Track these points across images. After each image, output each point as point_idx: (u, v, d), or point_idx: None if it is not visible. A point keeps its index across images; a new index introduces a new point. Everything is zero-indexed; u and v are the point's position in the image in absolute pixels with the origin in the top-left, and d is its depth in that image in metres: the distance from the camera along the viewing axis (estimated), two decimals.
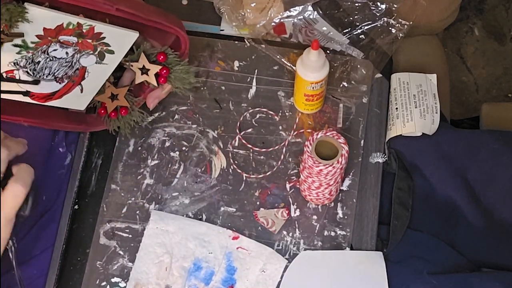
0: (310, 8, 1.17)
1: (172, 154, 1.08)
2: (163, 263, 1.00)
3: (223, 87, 1.13)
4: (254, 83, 1.13)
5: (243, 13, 1.15)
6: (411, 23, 1.15)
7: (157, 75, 0.99)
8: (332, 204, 1.04)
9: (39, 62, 0.86)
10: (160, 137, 1.09)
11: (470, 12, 1.92)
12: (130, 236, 1.03)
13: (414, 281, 0.99)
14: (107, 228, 1.03)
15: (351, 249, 1.02)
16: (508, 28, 1.91)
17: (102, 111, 1.01)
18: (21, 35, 0.81)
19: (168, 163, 1.07)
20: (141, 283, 0.99)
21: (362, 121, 1.09)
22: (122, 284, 1.00)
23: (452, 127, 1.19)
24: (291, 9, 1.16)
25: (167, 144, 1.09)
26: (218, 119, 1.10)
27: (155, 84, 0.99)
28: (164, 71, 0.98)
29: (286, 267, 1.00)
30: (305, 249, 1.01)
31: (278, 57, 1.13)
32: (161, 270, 1.00)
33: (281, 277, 1.00)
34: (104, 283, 1.00)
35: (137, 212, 1.04)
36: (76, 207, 1.05)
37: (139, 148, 1.08)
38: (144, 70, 0.98)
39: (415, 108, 1.09)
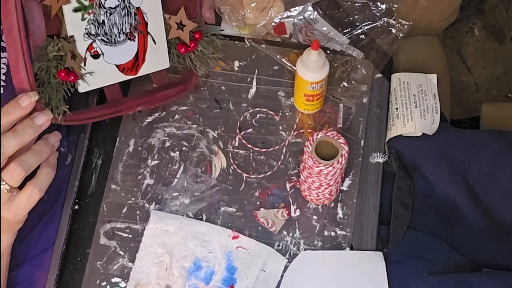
0: (310, 8, 1.17)
1: (172, 154, 1.08)
2: (163, 263, 1.00)
3: (223, 87, 1.13)
4: (254, 83, 1.13)
5: (243, 13, 1.15)
6: (411, 23, 1.15)
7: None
8: (332, 204, 1.04)
9: (103, 21, 0.90)
10: (160, 137, 1.09)
11: (470, 12, 1.92)
12: (130, 236, 1.03)
13: (414, 281, 0.99)
14: (107, 228, 1.03)
15: (351, 249, 1.02)
16: (508, 28, 1.91)
17: (183, 49, 1.03)
18: None
19: (168, 163, 1.07)
20: (141, 283, 0.99)
21: (362, 121, 1.09)
22: (122, 284, 1.00)
23: (452, 127, 1.19)
24: (291, 9, 1.16)
25: (167, 144, 1.09)
26: (218, 119, 1.10)
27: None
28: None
29: (286, 266, 1.00)
30: (305, 249, 1.01)
31: (278, 57, 1.13)
32: (161, 270, 1.00)
33: (281, 276, 1.00)
34: (104, 283, 1.00)
35: (137, 212, 1.04)
36: (76, 207, 1.05)
37: (139, 148, 1.08)
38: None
39: (415, 108, 1.09)
